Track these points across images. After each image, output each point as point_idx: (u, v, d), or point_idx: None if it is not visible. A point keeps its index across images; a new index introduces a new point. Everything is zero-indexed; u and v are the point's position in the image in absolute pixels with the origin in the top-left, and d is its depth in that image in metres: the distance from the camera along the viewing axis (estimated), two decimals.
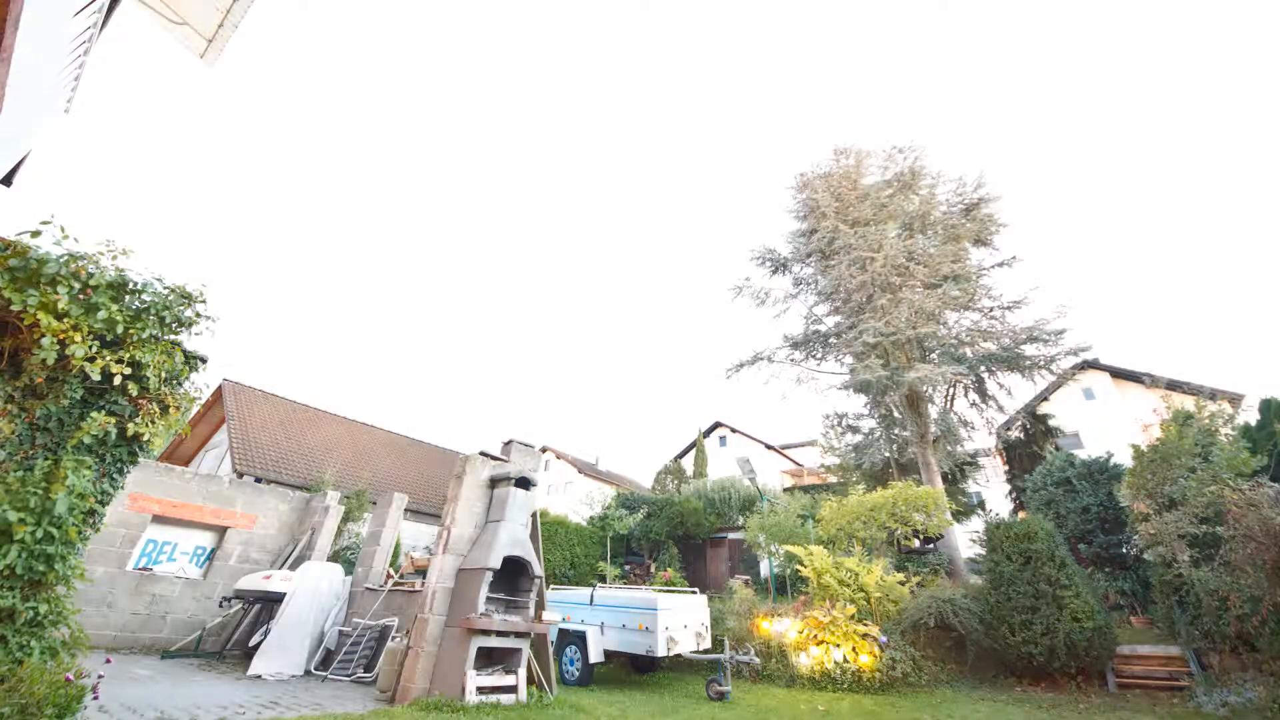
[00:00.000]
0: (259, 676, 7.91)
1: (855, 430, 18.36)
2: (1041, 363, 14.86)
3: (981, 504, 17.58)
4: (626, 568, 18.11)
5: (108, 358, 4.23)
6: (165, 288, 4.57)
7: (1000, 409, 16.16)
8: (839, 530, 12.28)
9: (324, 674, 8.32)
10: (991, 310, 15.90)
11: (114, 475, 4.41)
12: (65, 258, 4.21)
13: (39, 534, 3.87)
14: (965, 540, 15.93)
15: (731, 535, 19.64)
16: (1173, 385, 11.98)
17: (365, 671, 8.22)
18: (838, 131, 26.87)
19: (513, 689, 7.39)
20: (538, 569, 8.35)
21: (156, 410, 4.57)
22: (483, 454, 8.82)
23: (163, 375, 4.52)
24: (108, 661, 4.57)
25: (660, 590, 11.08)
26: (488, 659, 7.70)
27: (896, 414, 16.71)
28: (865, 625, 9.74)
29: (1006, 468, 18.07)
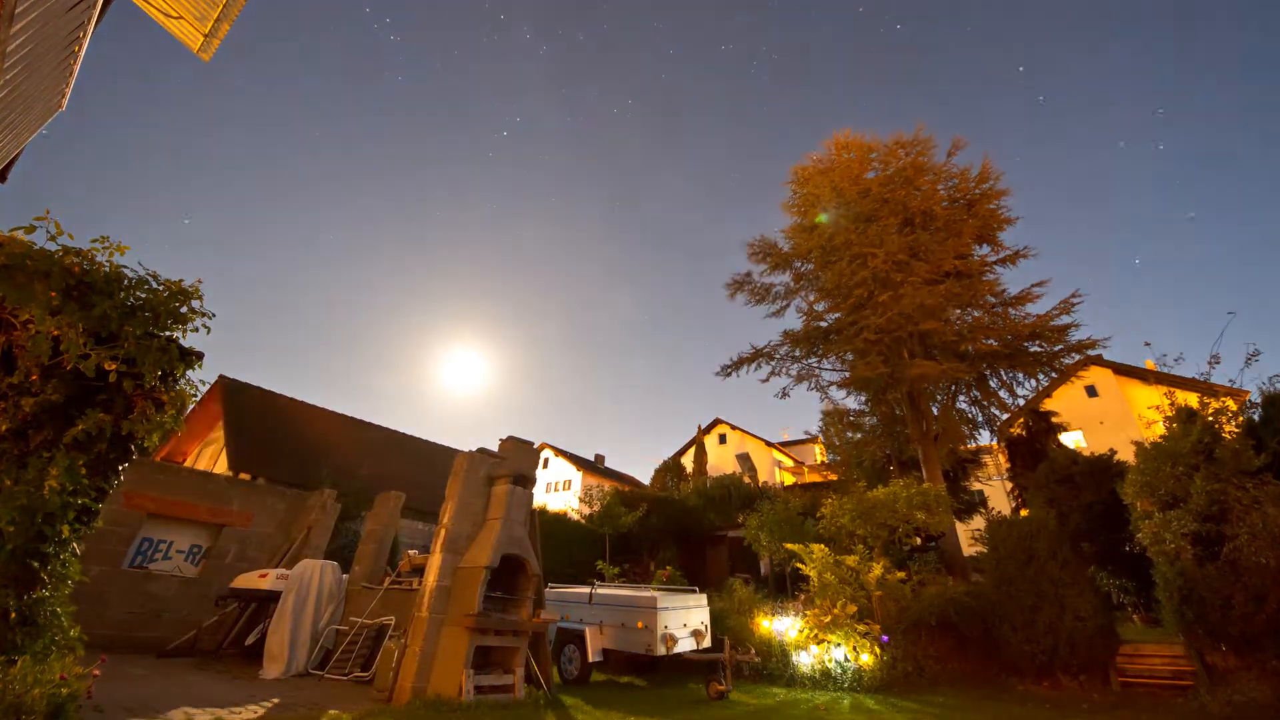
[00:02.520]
0: (261, 677, 7.86)
1: (856, 427, 18.30)
2: (1045, 359, 14.79)
3: (983, 501, 17.53)
4: (625, 566, 18.08)
5: (102, 354, 4.18)
6: (160, 284, 4.51)
7: (1002, 406, 16.08)
8: (839, 528, 12.24)
9: (321, 673, 8.27)
10: (995, 306, 15.79)
11: (108, 473, 4.36)
12: (59, 254, 4.15)
13: (32, 532, 3.82)
14: (967, 538, 15.88)
15: (731, 533, 19.59)
16: (1176, 381, 11.93)
17: (363, 670, 8.17)
18: (838, 124, 26.73)
19: (510, 688, 7.36)
20: (536, 567, 8.31)
21: (152, 407, 4.51)
22: (481, 451, 8.77)
23: (158, 372, 4.46)
24: (103, 660, 4.52)
25: (659, 589, 11.03)
26: (485, 658, 7.66)
27: (898, 411, 16.65)
28: (866, 624, 9.70)
29: (1009, 465, 18.03)
